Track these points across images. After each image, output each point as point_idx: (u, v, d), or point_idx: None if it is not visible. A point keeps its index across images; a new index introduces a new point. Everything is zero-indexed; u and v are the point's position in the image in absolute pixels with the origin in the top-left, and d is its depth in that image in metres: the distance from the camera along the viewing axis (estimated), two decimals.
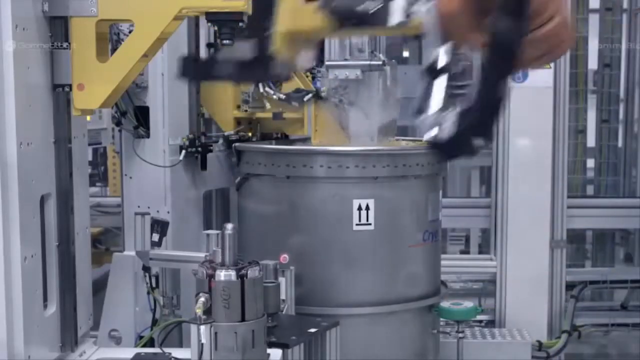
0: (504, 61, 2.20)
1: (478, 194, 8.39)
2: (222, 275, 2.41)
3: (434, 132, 2.26)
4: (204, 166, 4.12)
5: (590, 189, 7.59)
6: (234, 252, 2.45)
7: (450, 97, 2.28)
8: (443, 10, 2.32)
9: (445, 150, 2.29)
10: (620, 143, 7.65)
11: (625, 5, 7.50)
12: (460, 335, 4.39)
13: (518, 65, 2.30)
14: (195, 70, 2.70)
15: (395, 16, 2.75)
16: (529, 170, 5.49)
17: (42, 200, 2.55)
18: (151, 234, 3.48)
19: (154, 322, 3.63)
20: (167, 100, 3.91)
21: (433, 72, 2.33)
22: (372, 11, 2.51)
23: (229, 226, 2.47)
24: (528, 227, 5.49)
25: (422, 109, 2.28)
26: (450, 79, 2.34)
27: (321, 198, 3.87)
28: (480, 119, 2.25)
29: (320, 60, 4.25)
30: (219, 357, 2.39)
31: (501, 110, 2.28)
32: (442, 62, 2.37)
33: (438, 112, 2.29)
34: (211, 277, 2.41)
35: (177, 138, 4.02)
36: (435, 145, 2.21)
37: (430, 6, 2.28)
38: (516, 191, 5.50)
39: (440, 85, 2.35)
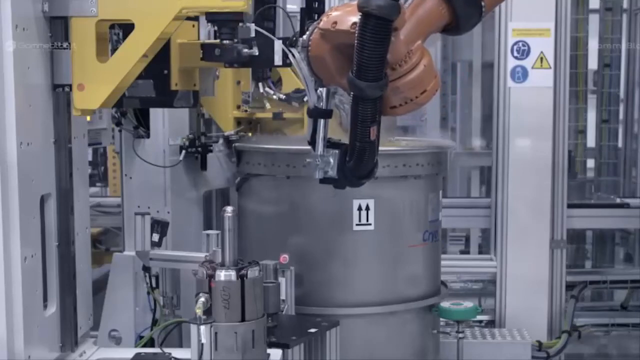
0: (367, 110, 2.30)
1: (478, 194, 8.39)
2: (222, 275, 2.41)
3: (323, 172, 2.43)
4: (204, 166, 4.12)
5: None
6: (234, 250, 2.45)
7: (330, 142, 2.43)
8: (313, 54, 2.45)
9: (335, 185, 2.48)
10: (620, 143, 7.65)
11: (625, 5, 7.50)
12: (460, 335, 4.39)
13: (382, 113, 2.39)
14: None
15: (277, 58, 2.90)
16: (529, 170, 5.49)
17: (42, 200, 2.55)
18: (151, 234, 3.48)
19: (154, 322, 3.64)
20: None
21: (315, 113, 2.47)
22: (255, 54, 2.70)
23: (229, 209, 2.47)
24: (528, 227, 5.48)
25: (311, 145, 2.44)
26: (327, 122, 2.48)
27: (321, 198, 3.87)
28: (356, 163, 2.41)
29: None
30: (219, 357, 2.40)
31: (374, 155, 2.39)
32: (322, 103, 2.50)
33: (324, 153, 2.44)
34: (211, 277, 2.42)
35: (177, 138, 4.02)
36: (325, 180, 2.42)
37: (303, 51, 2.39)
38: (516, 191, 5.49)
39: (322, 125, 2.50)
